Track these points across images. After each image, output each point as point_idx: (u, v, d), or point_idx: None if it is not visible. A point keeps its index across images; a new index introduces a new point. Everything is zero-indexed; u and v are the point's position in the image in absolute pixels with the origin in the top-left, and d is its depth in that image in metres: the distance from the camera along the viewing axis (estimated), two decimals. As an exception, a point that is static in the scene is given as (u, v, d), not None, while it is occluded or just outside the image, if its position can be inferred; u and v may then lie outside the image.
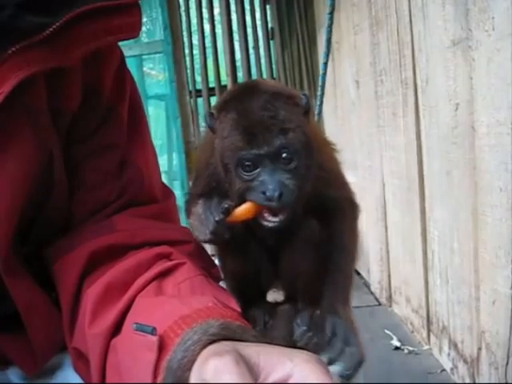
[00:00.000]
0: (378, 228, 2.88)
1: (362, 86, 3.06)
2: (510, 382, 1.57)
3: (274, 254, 0.83)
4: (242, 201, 0.73)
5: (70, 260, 0.81)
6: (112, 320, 0.72)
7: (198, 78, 4.97)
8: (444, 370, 2.10)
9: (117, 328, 0.72)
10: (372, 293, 3.10)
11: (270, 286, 0.89)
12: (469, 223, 1.76)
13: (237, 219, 0.72)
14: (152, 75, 4.79)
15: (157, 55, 4.32)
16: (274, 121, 0.71)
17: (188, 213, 0.79)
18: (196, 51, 5.02)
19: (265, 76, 4.92)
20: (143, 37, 4.66)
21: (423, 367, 2.16)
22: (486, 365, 1.71)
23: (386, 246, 2.85)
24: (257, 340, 0.63)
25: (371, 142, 2.91)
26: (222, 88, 4.94)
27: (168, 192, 0.96)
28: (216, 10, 4.92)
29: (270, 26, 4.91)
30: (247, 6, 4.92)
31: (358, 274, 3.34)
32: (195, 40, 5.06)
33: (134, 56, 3.96)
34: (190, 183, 0.88)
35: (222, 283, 0.85)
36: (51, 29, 0.71)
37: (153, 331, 0.64)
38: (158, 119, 4.55)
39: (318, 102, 3.21)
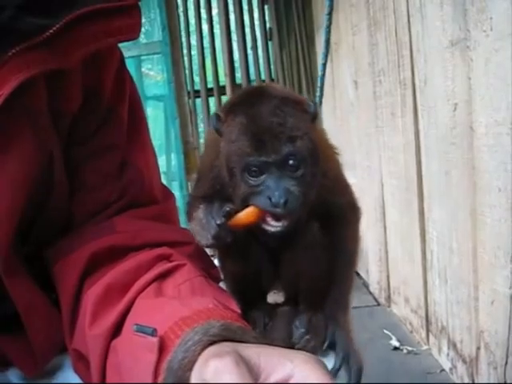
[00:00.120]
0: (377, 228, 2.88)
1: (360, 86, 3.06)
2: (508, 381, 1.57)
3: (275, 256, 0.83)
4: (245, 205, 0.73)
5: (70, 261, 0.81)
6: (112, 321, 0.72)
7: (197, 79, 4.97)
8: (443, 369, 2.11)
9: (117, 329, 0.72)
10: (371, 293, 3.10)
11: (270, 288, 0.89)
12: (467, 223, 1.76)
13: (239, 223, 0.72)
14: (150, 76, 4.79)
15: (155, 56, 4.32)
16: (282, 128, 0.71)
17: (189, 216, 0.79)
18: (194, 52, 5.03)
19: (263, 76, 4.92)
20: (141, 38, 4.65)
21: (422, 367, 2.16)
22: (485, 365, 1.71)
23: (384, 246, 2.85)
24: (257, 341, 0.63)
25: (370, 143, 2.92)
26: (221, 88, 4.95)
27: (168, 193, 0.96)
28: (214, 11, 4.92)
29: (268, 26, 4.92)
30: (245, 7, 4.92)
31: (357, 274, 3.34)
32: (193, 40, 5.06)
33: (133, 57, 3.96)
34: (189, 184, 0.88)
35: (221, 284, 0.86)
36: (51, 31, 0.71)
37: (153, 332, 0.64)
38: (156, 120, 4.55)
39: (317, 103, 3.21)
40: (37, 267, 0.84)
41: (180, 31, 4.62)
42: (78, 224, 0.86)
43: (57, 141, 0.81)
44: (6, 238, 0.76)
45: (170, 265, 0.78)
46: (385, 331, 2.51)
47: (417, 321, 2.42)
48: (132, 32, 0.80)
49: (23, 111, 0.74)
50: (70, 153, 0.85)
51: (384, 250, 2.86)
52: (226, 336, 0.61)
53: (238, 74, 4.97)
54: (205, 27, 4.95)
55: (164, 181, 1.01)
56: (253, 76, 4.93)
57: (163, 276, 0.76)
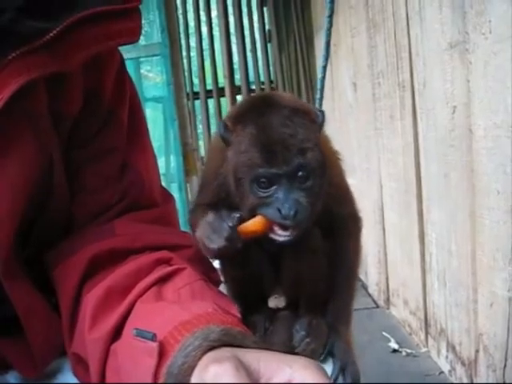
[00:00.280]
0: (376, 231, 2.88)
1: (359, 88, 3.07)
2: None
3: (276, 260, 0.83)
4: (253, 215, 0.72)
5: (70, 264, 0.81)
6: (112, 325, 0.72)
7: (196, 81, 4.98)
8: (442, 372, 2.11)
9: (117, 333, 0.72)
10: (370, 295, 3.10)
11: (271, 292, 0.89)
12: (466, 226, 1.76)
13: (247, 231, 0.71)
14: (149, 78, 4.79)
15: (154, 58, 4.31)
16: (293, 140, 0.70)
17: (194, 224, 0.77)
18: (193, 53, 5.04)
19: (262, 78, 4.93)
20: (141, 39, 4.64)
21: (421, 369, 2.16)
22: (484, 367, 1.71)
23: (383, 248, 2.86)
24: (257, 346, 0.63)
25: (369, 145, 2.92)
26: (220, 90, 4.96)
27: (168, 195, 0.96)
28: (213, 13, 4.93)
29: (267, 28, 4.93)
30: (244, 9, 4.93)
31: (356, 276, 3.34)
32: (193, 42, 5.07)
33: (132, 59, 3.96)
34: (188, 185, 0.87)
35: (222, 287, 0.86)
36: (52, 34, 0.70)
37: (153, 337, 0.64)
38: (155, 121, 4.54)
39: (317, 106, 3.21)
40: (36, 271, 0.84)
41: (179, 33, 4.62)
42: (78, 226, 0.86)
43: (57, 143, 0.81)
44: (6, 241, 0.76)
45: (170, 269, 0.78)
46: (384, 333, 2.51)
47: (416, 323, 2.42)
48: (132, 35, 0.80)
49: (23, 114, 0.74)
50: (70, 155, 0.85)
51: (383, 252, 2.86)
52: (225, 341, 0.61)
53: (237, 76, 4.98)
54: (204, 29, 4.96)
55: (163, 182, 1.01)
56: (252, 78, 4.94)
57: (163, 280, 0.76)
